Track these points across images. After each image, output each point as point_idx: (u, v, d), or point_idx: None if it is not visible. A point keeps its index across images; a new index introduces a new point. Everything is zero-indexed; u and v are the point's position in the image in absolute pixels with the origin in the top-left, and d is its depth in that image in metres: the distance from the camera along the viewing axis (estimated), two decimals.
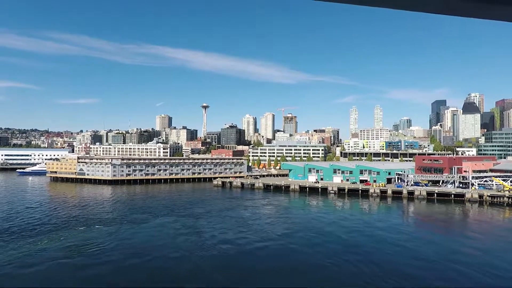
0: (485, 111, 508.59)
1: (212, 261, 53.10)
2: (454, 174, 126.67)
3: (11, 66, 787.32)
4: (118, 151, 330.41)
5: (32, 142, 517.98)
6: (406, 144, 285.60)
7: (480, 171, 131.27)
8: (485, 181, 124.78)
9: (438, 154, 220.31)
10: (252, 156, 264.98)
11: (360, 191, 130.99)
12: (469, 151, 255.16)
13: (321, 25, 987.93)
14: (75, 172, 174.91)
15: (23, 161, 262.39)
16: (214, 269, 50.07)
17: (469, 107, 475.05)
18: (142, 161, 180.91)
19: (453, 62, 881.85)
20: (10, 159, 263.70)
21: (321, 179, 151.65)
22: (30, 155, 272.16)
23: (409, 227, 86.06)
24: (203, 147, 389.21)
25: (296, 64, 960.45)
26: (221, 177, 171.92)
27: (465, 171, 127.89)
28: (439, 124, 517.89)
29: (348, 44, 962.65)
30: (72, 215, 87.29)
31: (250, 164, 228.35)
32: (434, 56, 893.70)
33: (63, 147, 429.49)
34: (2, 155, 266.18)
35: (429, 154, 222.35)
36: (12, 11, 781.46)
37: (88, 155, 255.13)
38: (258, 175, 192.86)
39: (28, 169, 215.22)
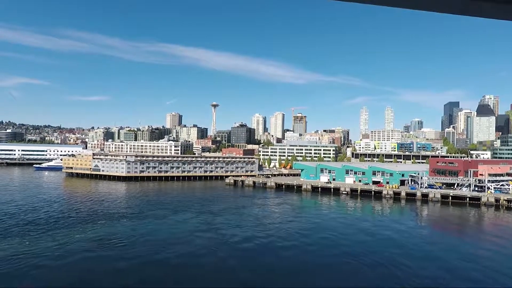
0: (499, 113, 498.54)
1: (235, 260, 53.93)
2: (470, 177, 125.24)
3: (26, 62, 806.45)
4: (130, 148, 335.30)
5: (46, 138, 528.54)
6: (419, 146, 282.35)
7: (496, 175, 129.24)
8: (502, 185, 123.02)
9: (452, 157, 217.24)
10: (263, 155, 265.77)
11: (373, 192, 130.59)
12: (483, 154, 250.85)
13: (332, 26, 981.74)
14: (90, 168, 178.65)
15: (39, 157, 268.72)
16: (237, 267, 51.09)
17: (484, 109, 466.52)
18: (155, 158, 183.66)
19: (467, 64, 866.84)
20: (27, 155, 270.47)
21: (333, 179, 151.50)
22: (46, 151, 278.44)
23: (424, 229, 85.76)
24: (213, 146, 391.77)
25: (307, 64, 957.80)
26: (233, 176, 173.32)
27: (481, 175, 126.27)
28: (451, 126, 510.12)
29: (360, 45, 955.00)
30: (93, 210, 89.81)
31: (260, 163, 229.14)
32: (447, 57, 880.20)
33: (77, 143, 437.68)
34: (19, 150, 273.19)
35: (442, 157, 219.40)
36: (28, 9, 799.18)
37: (102, 152, 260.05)
38: (269, 174, 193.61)
39: (45, 165, 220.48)
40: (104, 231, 67.65)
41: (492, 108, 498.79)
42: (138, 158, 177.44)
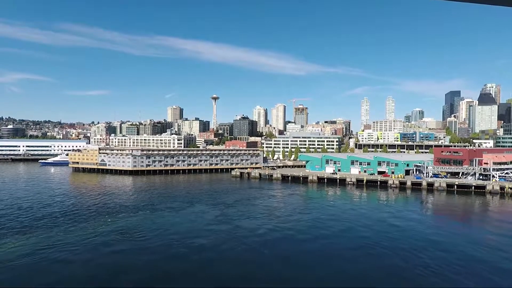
0: (501, 102, 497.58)
1: (260, 252, 54.41)
2: (475, 166, 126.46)
3: (25, 58, 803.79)
4: (133, 142, 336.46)
5: (47, 134, 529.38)
6: (422, 135, 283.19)
7: (500, 163, 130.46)
8: (506, 173, 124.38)
9: (455, 146, 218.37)
10: (266, 147, 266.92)
11: (378, 182, 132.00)
12: (486, 143, 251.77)
13: (332, 16, 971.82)
14: (97, 163, 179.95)
15: (43, 152, 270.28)
16: (263, 260, 52.13)
17: (485, 98, 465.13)
18: (161, 152, 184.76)
19: (468, 52, 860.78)
20: (31, 150, 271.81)
21: (339, 170, 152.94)
22: (50, 146, 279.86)
23: (432, 217, 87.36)
24: (216, 139, 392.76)
25: (307, 55, 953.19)
26: (239, 168, 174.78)
27: (485, 163, 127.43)
28: (453, 115, 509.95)
29: (360, 35, 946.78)
30: (108, 203, 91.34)
31: (264, 155, 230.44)
32: (448, 46, 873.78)
33: (79, 138, 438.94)
34: (23, 146, 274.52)
35: (445, 146, 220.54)
36: (25, 3, 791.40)
37: (108, 146, 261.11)
38: (274, 166, 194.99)
39: (50, 160, 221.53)
40: (125, 224, 69.11)
41: (493, 96, 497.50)
42: (144, 152, 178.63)
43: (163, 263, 48.42)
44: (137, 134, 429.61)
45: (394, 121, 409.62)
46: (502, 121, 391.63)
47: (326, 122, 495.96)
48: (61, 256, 49.72)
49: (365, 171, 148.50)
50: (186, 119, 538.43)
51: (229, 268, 47.81)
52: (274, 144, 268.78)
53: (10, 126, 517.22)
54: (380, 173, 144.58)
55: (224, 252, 53.62)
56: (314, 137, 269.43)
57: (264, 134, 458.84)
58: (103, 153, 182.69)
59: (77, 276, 43.61)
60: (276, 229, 67.28)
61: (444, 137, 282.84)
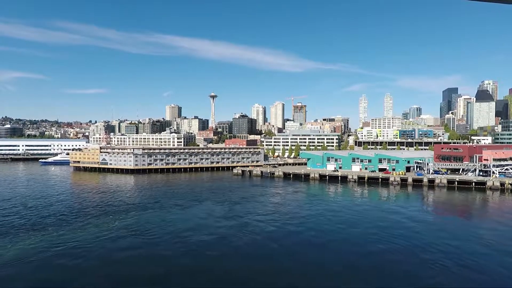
0: (498, 98, 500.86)
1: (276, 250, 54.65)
2: (475, 162, 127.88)
3: (21, 56, 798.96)
4: (133, 141, 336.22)
5: (45, 133, 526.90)
6: (420, 132, 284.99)
7: (500, 160, 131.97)
8: (506, 169, 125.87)
9: (454, 143, 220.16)
10: (266, 145, 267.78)
11: (380, 179, 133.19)
12: (484, 139, 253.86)
13: (329, 13, 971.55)
14: (98, 162, 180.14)
15: (43, 151, 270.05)
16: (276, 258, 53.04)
17: (483, 95, 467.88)
18: (162, 151, 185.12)
19: (465, 49, 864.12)
20: (31, 150, 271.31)
21: (340, 167, 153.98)
22: (50, 146, 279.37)
23: (436, 214, 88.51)
24: (215, 137, 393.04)
25: (305, 52, 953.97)
26: (240, 166, 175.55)
27: (485, 160, 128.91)
28: (451, 112, 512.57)
29: (357, 31, 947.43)
30: (114, 202, 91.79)
31: (264, 153, 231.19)
32: (445, 42, 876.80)
33: (78, 137, 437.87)
34: (23, 145, 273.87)
35: (444, 143, 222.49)
36: (20, 1, 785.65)
37: (109, 145, 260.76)
38: (275, 164, 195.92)
39: (50, 159, 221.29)
40: (136, 222, 69.50)
41: (491, 93, 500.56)
42: (146, 151, 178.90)
43: (179, 262, 48.67)
44: (136, 133, 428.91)
45: (392, 118, 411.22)
46: (500, 118, 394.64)
47: (324, 119, 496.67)
48: (76, 255, 49.97)
49: (366, 168, 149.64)
50: (185, 118, 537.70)
51: (249, 269, 47.05)
52: (274, 142, 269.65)
53: (7, 126, 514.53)
54: (381, 170, 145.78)
55: (243, 254, 52.61)
56: (313, 135, 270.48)
57: (263, 132, 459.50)
58: (104, 152, 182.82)
59: (94, 274, 44.03)
60: (292, 230, 66.42)
61: (443, 134, 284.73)
